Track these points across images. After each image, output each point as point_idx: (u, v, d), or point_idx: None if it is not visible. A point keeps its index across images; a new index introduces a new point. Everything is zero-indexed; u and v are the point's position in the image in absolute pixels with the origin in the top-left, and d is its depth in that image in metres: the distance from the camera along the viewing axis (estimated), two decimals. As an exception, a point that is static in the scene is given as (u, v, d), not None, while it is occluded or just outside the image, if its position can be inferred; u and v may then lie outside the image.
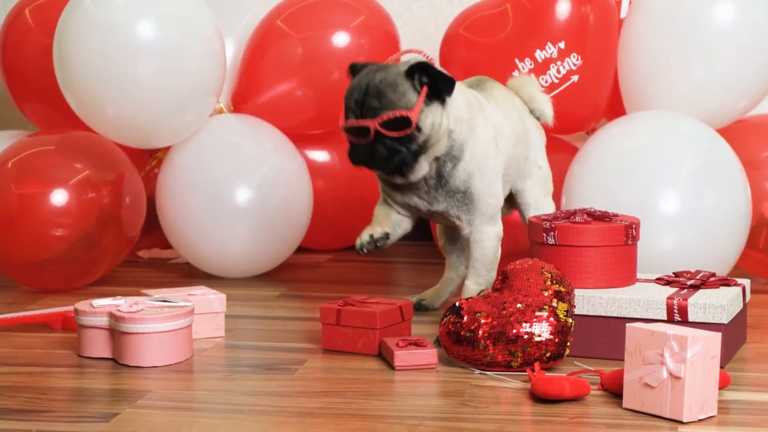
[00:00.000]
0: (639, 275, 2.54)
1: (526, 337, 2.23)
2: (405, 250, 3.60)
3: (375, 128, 2.38)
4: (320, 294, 3.04)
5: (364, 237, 2.54)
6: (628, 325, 2.04)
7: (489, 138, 2.54)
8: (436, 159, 2.47)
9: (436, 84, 2.40)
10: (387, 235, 2.56)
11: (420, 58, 2.48)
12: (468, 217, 2.54)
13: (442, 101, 2.42)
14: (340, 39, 3.30)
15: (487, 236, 2.56)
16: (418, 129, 2.40)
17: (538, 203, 2.77)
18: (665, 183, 2.86)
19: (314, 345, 2.52)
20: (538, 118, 2.82)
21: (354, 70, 2.50)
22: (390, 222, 2.60)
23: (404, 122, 2.38)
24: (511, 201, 2.80)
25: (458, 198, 2.52)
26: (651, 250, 2.78)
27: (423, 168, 2.46)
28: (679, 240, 2.83)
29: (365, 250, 2.53)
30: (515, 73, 2.89)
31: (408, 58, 2.49)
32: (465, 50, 3.19)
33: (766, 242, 3.10)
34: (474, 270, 2.57)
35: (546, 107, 2.81)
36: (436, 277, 2.95)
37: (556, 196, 3.02)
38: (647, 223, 2.76)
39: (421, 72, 2.40)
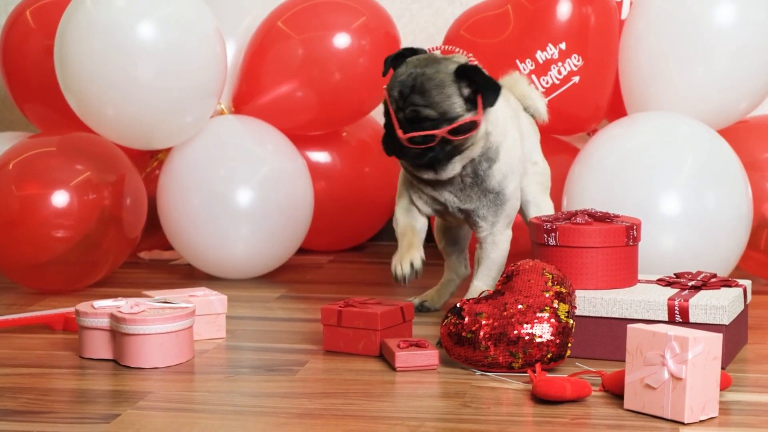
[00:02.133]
0: (640, 276, 2.54)
1: (527, 338, 2.23)
2: (406, 251, 3.60)
3: (443, 136, 2.41)
4: (321, 295, 3.04)
5: (406, 268, 2.49)
6: (629, 326, 2.04)
7: (517, 143, 2.57)
8: (471, 160, 2.48)
9: (483, 93, 2.41)
10: (423, 261, 2.53)
11: (464, 59, 2.47)
12: (494, 219, 2.56)
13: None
14: (341, 40, 3.30)
15: (506, 238, 2.59)
16: (456, 132, 2.42)
17: (538, 200, 2.77)
18: (666, 184, 2.86)
19: (315, 346, 2.52)
20: (532, 115, 2.82)
21: (402, 56, 2.48)
22: (420, 240, 2.57)
23: (470, 126, 2.41)
24: None
25: (491, 198, 2.53)
26: (652, 251, 2.78)
27: (456, 168, 2.47)
28: (680, 241, 2.83)
29: (407, 282, 2.50)
30: (512, 72, 2.88)
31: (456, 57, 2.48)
32: (466, 51, 3.19)
33: (767, 243, 3.10)
34: (486, 270, 2.58)
35: (539, 104, 2.81)
36: (436, 277, 2.95)
37: (558, 197, 3.02)
38: (648, 224, 2.75)
39: (470, 77, 2.41)
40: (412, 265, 2.47)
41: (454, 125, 2.40)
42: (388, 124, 2.44)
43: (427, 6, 3.94)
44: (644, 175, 2.87)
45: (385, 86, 2.47)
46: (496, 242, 2.57)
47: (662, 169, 2.88)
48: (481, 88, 2.41)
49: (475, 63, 2.47)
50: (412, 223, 2.58)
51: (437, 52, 2.50)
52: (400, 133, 2.40)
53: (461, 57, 2.48)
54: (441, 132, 2.40)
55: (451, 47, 2.72)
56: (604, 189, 2.90)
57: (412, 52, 2.49)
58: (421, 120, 2.40)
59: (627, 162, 2.91)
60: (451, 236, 2.87)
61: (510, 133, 2.54)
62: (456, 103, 2.40)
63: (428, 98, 2.39)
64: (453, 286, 2.88)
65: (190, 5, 3.12)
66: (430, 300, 2.85)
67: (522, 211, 2.79)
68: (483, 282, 2.57)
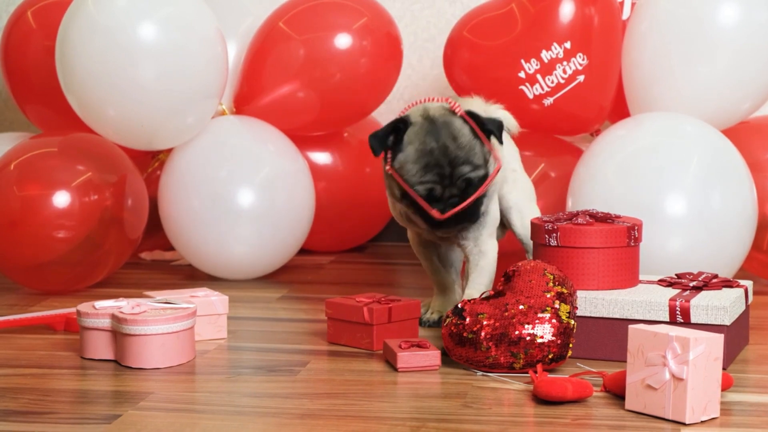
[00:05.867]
0: (641, 277, 2.54)
1: (528, 338, 2.23)
2: (406, 252, 3.59)
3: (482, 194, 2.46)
4: (323, 296, 3.04)
5: (435, 316, 2.69)
6: (630, 326, 2.04)
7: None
8: None
9: (495, 134, 2.45)
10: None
11: (447, 106, 2.48)
12: (476, 234, 2.57)
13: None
14: (342, 41, 3.30)
15: (492, 247, 2.60)
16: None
17: (520, 205, 2.75)
18: (671, 185, 2.85)
19: (317, 346, 2.52)
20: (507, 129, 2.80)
21: (397, 130, 2.46)
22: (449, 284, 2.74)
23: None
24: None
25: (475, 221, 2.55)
26: (657, 253, 2.78)
27: None
28: (685, 242, 2.83)
29: (427, 326, 2.68)
30: (463, 98, 2.84)
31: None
32: (469, 52, 3.19)
33: (769, 244, 3.10)
34: (479, 277, 2.58)
35: (504, 115, 2.77)
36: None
37: (562, 198, 3.02)
38: (653, 226, 2.76)
39: (479, 124, 2.45)
40: (441, 316, 2.64)
41: (493, 175, 2.46)
42: (419, 206, 2.45)
43: (428, 6, 3.94)
44: (649, 177, 2.87)
45: (391, 166, 2.46)
46: (484, 251, 2.58)
47: (667, 170, 2.87)
48: (492, 131, 2.44)
49: (458, 105, 2.46)
50: (436, 265, 2.74)
51: (422, 106, 2.49)
52: (447, 213, 2.43)
53: (445, 104, 2.48)
54: (483, 188, 2.46)
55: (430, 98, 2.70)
56: (609, 190, 2.90)
57: (405, 122, 2.46)
58: (475, 185, 2.44)
59: (631, 163, 2.91)
60: (444, 260, 2.85)
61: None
62: (486, 155, 2.46)
63: (472, 163, 2.43)
64: (458, 290, 2.84)
65: (191, 6, 3.12)
66: (443, 309, 2.79)
67: (506, 219, 2.76)
68: (475, 289, 2.57)
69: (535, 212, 2.78)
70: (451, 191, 2.44)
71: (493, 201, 2.59)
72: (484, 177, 2.45)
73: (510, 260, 2.74)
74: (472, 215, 2.48)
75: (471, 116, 2.45)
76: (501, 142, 2.48)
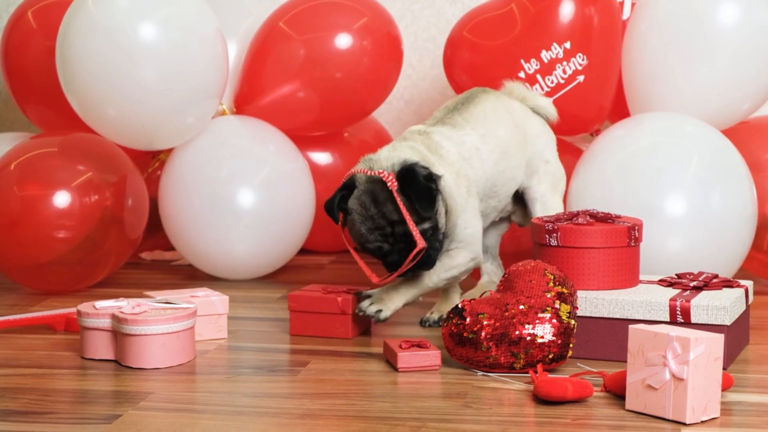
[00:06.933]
0: (642, 277, 2.54)
1: (528, 338, 2.23)
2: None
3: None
4: (323, 296, 3.04)
5: (435, 316, 2.71)
6: (630, 326, 2.04)
7: (452, 185, 2.56)
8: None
9: (418, 203, 2.48)
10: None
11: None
12: (453, 243, 2.60)
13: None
14: (343, 41, 3.30)
15: (460, 256, 2.59)
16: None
17: (545, 198, 2.78)
18: (671, 185, 2.86)
19: (317, 346, 2.52)
20: (545, 117, 2.88)
21: (347, 188, 2.55)
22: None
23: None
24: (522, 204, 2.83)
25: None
26: (657, 253, 2.78)
27: None
28: (685, 242, 2.83)
29: (428, 326, 2.71)
30: (505, 82, 2.90)
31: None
32: (469, 52, 3.19)
33: (769, 244, 3.10)
34: (442, 267, 2.58)
35: (542, 102, 2.87)
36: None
37: (562, 199, 3.01)
38: (653, 226, 2.76)
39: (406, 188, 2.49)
40: (440, 317, 2.68)
41: (413, 253, 2.47)
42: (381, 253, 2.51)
43: (428, 6, 3.94)
44: (649, 177, 2.87)
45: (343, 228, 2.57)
46: (452, 255, 2.60)
47: (667, 170, 2.87)
48: (422, 204, 2.46)
49: (390, 179, 2.49)
50: None
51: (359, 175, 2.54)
52: (385, 280, 2.53)
53: (375, 176, 2.50)
54: (406, 264, 2.49)
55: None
56: (609, 190, 2.90)
57: (349, 188, 2.53)
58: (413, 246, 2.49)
59: (631, 163, 2.91)
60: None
61: (441, 182, 2.52)
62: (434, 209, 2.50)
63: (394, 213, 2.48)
64: (492, 287, 2.87)
65: (191, 6, 3.12)
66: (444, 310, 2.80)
67: (529, 211, 2.79)
68: (429, 277, 2.57)
69: (558, 206, 2.80)
70: (399, 247, 2.49)
71: (464, 220, 2.58)
72: (434, 228, 2.49)
73: (511, 260, 2.74)
74: (425, 264, 2.51)
75: (406, 182, 2.47)
76: (428, 216, 2.47)
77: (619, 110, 3.22)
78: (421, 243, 2.46)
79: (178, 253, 3.50)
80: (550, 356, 2.24)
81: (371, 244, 2.51)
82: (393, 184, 2.47)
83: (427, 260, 2.51)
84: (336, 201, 2.55)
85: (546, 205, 2.77)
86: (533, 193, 2.78)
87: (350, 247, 2.61)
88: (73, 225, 3.02)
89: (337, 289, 2.64)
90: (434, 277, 2.57)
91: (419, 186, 2.46)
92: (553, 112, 2.89)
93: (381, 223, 2.49)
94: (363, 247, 2.54)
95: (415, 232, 2.46)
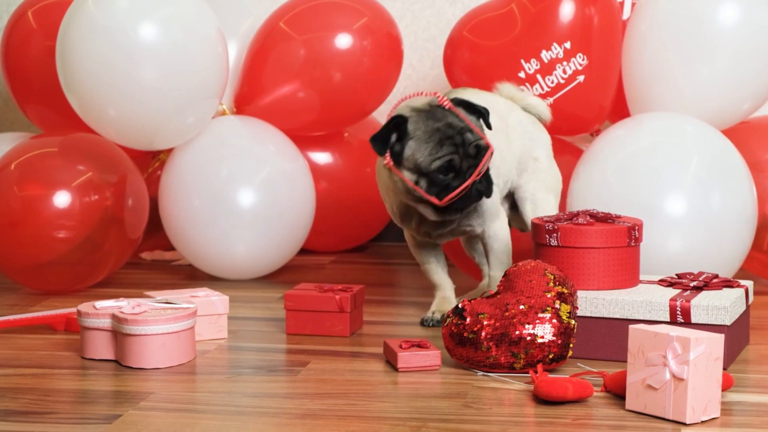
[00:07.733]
0: (642, 277, 2.54)
1: (528, 338, 2.23)
2: (407, 252, 3.60)
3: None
4: (323, 296, 3.04)
5: (436, 316, 2.70)
6: (630, 326, 2.04)
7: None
8: None
9: (484, 118, 2.54)
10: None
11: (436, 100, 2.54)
12: (479, 220, 2.63)
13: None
14: (343, 41, 3.30)
15: (500, 225, 2.66)
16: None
17: (536, 197, 2.78)
18: (671, 185, 2.85)
19: (317, 346, 2.52)
20: (538, 117, 2.88)
21: (397, 126, 2.51)
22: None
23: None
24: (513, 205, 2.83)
25: (470, 210, 2.58)
26: (657, 253, 2.78)
27: None
28: (685, 242, 2.83)
29: (430, 326, 2.71)
30: (496, 84, 2.91)
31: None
32: (469, 52, 3.19)
33: (770, 244, 3.10)
34: (497, 260, 2.66)
35: (534, 102, 2.89)
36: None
37: (562, 198, 3.01)
38: (653, 226, 2.75)
39: (473, 108, 2.53)
40: (443, 316, 2.62)
41: (489, 153, 2.49)
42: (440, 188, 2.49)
43: (428, 6, 3.94)
44: (649, 176, 2.87)
45: (396, 161, 2.50)
46: (492, 234, 2.65)
47: (667, 170, 2.87)
48: (481, 111, 2.51)
49: (444, 99, 2.52)
50: (435, 266, 2.76)
51: (406, 104, 2.54)
52: (470, 181, 2.48)
53: (432, 98, 2.52)
54: (486, 157, 2.50)
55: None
56: (609, 190, 2.90)
57: (402, 117, 2.50)
58: (484, 149, 2.49)
59: (631, 163, 2.91)
60: (471, 245, 2.92)
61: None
62: (481, 128, 2.52)
63: (473, 131, 2.48)
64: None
65: (191, 6, 3.12)
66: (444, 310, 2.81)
67: (521, 211, 2.79)
68: (499, 270, 2.65)
69: (551, 205, 2.80)
70: (468, 162, 2.48)
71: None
72: (487, 147, 2.50)
73: (513, 261, 2.74)
74: (488, 188, 2.52)
75: (458, 102, 2.51)
76: (489, 127, 2.52)
77: (619, 110, 3.22)
78: (491, 145, 2.48)
79: (178, 253, 3.50)
80: (551, 356, 2.24)
81: (440, 160, 2.46)
82: (448, 103, 2.49)
83: (488, 189, 2.51)
84: (389, 131, 2.49)
85: (537, 204, 2.77)
86: (523, 192, 2.79)
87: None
88: (73, 225, 3.02)
89: (332, 288, 2.65)
90: (501, 271, 2.65)
91: (473, 103, 2.51)
92: (545, 112, 2.90)
93: (450, 132, 2.47)
94: (428, 171, 2.48)
95: (483, 136, 2.48)
